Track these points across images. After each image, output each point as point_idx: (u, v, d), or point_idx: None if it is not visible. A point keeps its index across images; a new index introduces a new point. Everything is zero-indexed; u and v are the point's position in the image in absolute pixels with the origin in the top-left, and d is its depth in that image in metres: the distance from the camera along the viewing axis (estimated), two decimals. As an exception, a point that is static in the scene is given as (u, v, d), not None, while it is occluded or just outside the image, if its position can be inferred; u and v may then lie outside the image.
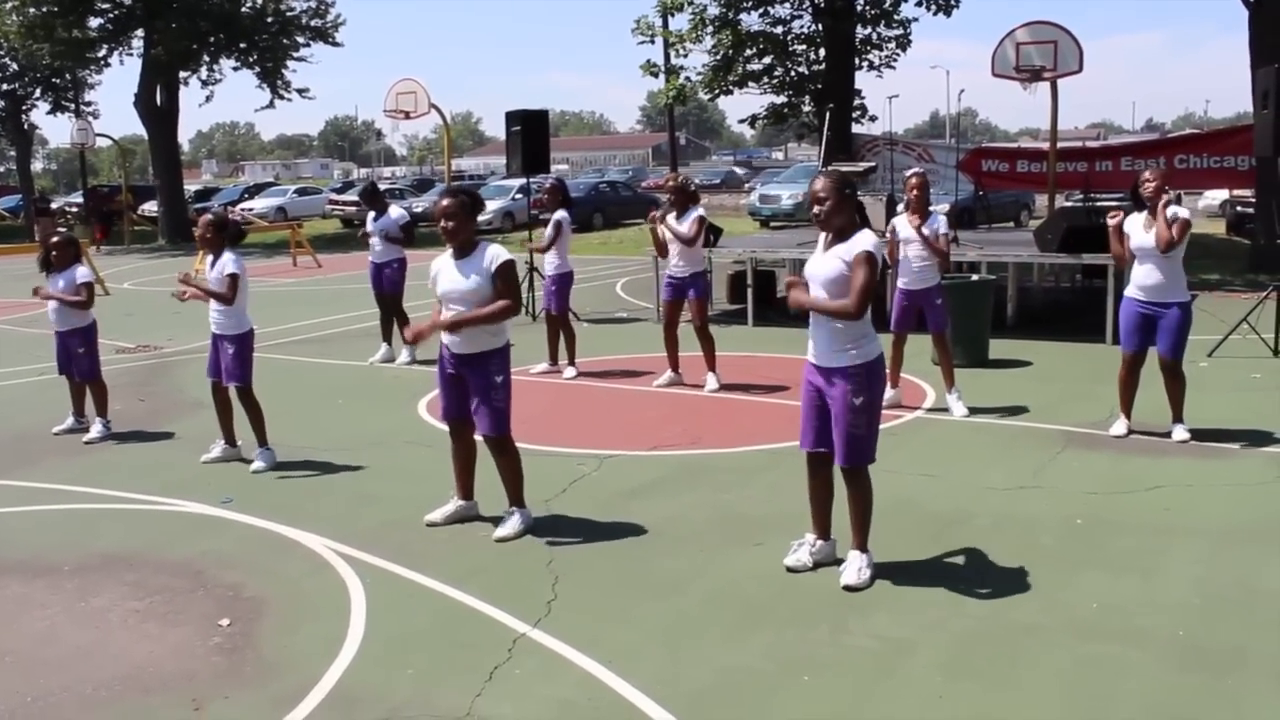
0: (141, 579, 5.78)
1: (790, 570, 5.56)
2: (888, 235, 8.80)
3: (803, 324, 5.50)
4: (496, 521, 6.30)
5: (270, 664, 4.76)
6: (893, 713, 4.22)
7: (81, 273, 8.83)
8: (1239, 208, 23.84)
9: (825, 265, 5.25)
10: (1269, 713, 4.11)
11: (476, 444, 6.41)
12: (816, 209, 5.25)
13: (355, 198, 35.42)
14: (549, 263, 10.88)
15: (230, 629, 5.12)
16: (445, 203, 6.02)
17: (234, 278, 7.66)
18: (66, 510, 7.11)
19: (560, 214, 10.84)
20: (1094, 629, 4.84)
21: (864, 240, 5.21)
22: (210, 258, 7.87)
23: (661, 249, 10.06)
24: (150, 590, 5.63)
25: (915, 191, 8.84)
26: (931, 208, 8.93)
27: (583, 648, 4.77)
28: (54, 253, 8.82)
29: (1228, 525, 6.09)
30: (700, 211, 9.82)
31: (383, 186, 24.22)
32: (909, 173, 9.31)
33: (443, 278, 6.09)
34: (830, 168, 13.23)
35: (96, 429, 8.84)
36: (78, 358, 8.85)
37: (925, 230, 8.70)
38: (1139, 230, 7.61)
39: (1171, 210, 7.49)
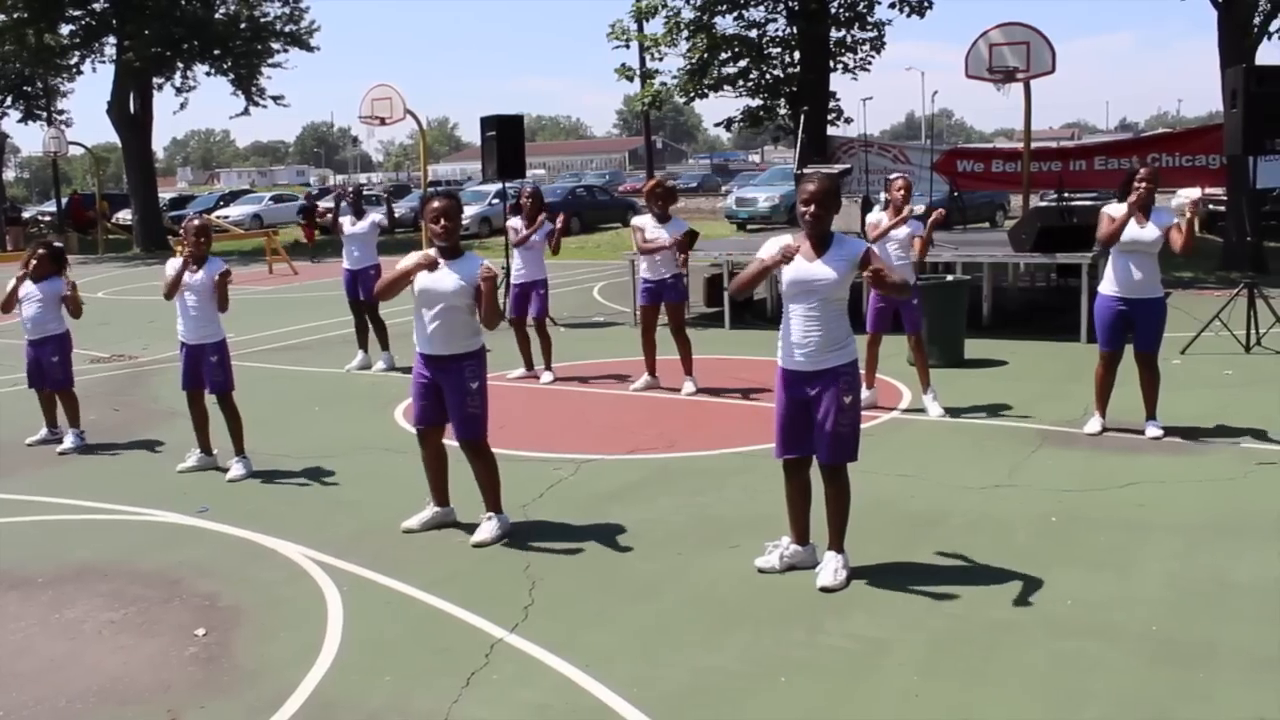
0: (116, 590, 5.75)
1: (760, 571, 5.58)
2: (869, 226, 8.85)
3: (779, 326, 5.51)
4: (473, 527, 6.29)
5: (247, 673, 4.74)
6: (869, 712, 4.24)
7: (64, 286, 8.77)
8: (1211, 206, 24.02)
9: (823, 272, 5.22)
10: (1240, 705, 4.14)
11: (447, 449, 6.42)
12: (815, 209, 5.22)
13: (332, 204, 35.31)
14: (528, 267, 10.90)
15: (206, 639, 5.10)
16: (440, 203, 6.04)
17: (225, 276, 7.71)
18: (40, 521, 7.06)
19: (550, 226, 11.12)
20: (1068, 625, 4.87)
21: (860, 242, 5.41)
22: (194, 265, 7.79)
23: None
24: (125, 601, 5.60)
25: (901, 192, 8.89)
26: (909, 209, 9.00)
27: (560, 652, 4.77)
28: (34, 261, 8.76)
29: (1201, 520, 6.14)
30: (687, 225, 9.95)
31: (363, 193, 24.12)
32: (894, 175, 9.38)
33: (425, 274, 6.05)
34: (810, 169, 13.27)
35: (70, 439, 8.77)
36: (50, 366, 8.77)
37: (906, 231, 8.77)
38: (1132, 225, 7.63)
39: (1177, 204, 7.69)
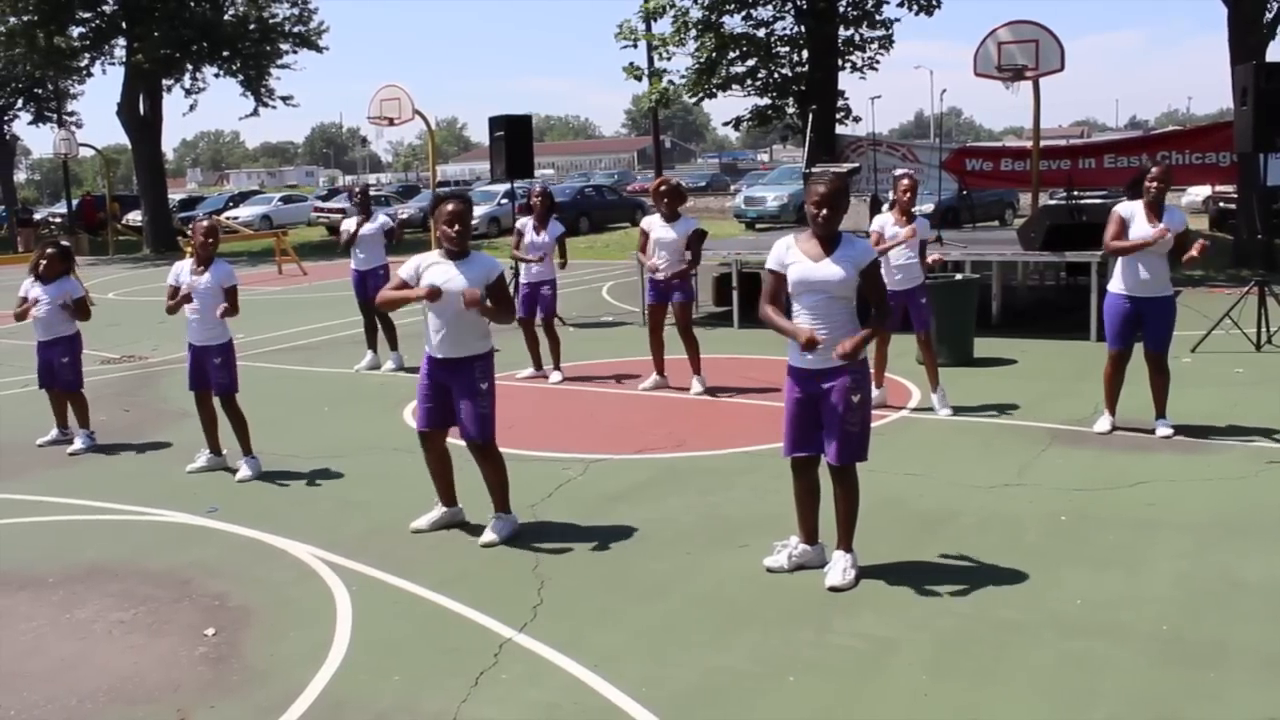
0: (127, 589, 5.77)
1: (769, 571, 5.58)
2: (873, 234, 8.83)
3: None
4: (482, 527, 6.30)
5: (256, 673, 4.75)
6: (878, 712, 4.23)
7: (74, 286, 8.81)
8: (1221, 204, 23.97)
9: (831, 271, 5.23)
10: (1250, 705, 4.13)
11: (450, 451, 6.42)
12: (825, 212, 5.21)
13: (340, 205, 35.39)
14: (539, 269, 10.90)
15: (216, 638, 5.11)
16: (453, 207, 6.03)
17: (235, 290, 7.76)
18: (51, 522, 7.08)
19: (560, 228, 11.15)
20: (1078, 625, 4.86)
21: (869, 248, 5.40)
22: (199, 265, 7.82)
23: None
24: (135, 601, 5.61)
25: (907, 194, 8.86)
26: (914, 209, 8.97)
27: (568, 651, 4.78)
28: (43, 262, 8.78)
29: (1211, 519, 6.12)
30: (696, 224, 9.94)
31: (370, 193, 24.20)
32: (899, 173, 9.35)
33: (433, 273, 6.05)
34: (818, 168, 13.26)
35: (80, 440, 8.81)
36: (61, 368, 8.81)
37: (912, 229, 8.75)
38: (1142, 223, 7.61)
39: (1177, 215, 7.64)
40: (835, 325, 5.26)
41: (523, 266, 11.20)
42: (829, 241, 5.28)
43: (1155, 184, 7.58)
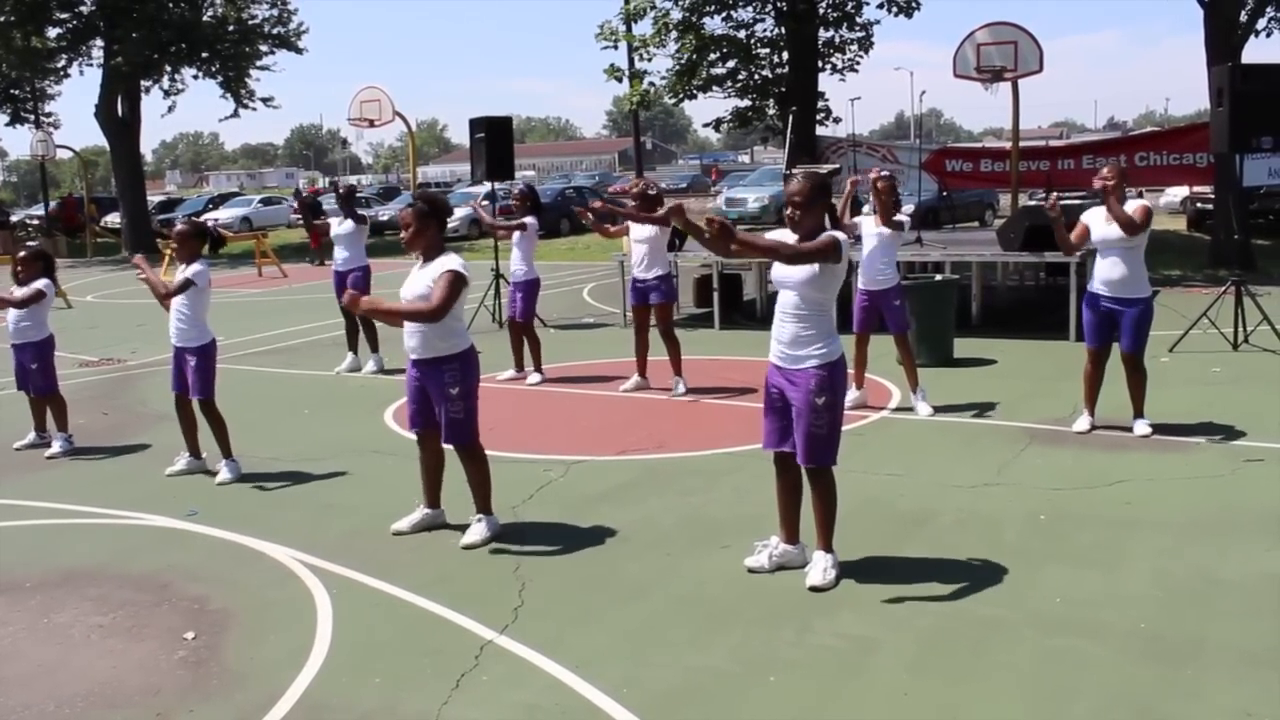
0: (105, 594, 5.74)
1: (750, 571, 5.59)
2: (851, 235, 8.85)
3: (768, 327, 5.52)
4: (463, 529, 6.28)
5: (236, 676, 4.73)
6: (859, 711, 4.24)
7: (40, 282, 8.71)
8: (1199, 204, 24.11)
9: (800, 269, 5.25)
10: (1227, 701, 4.16)
11: (445, 453, 6.41)
12: (790, 211, 5.27)
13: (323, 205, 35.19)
14: (516, 269, 10.85)
15: (195, 642, 5.09)
16: (403, 211, 6.19)
17: (190, 282, 7.64)
18: (28, 526, 7.04)
19: (529, 219, 10.87)
20: (1057, 623, 4.89)
21: (832, 231, 5.28)
22: (181, 265, 7.80)
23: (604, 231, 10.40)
24: (114, 605, 5.58)
25: (883, 196, 8.90)
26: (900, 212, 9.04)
27: (550, 653, 4.77)
28: (19, 267, 8.73)
29: (1188, 518, 6.16)
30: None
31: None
32: (874, 175, 9.36)
33: (406, 283, 6.16)
34: (798, 169, 13.28)
35: (58, 444, 8.75)
36: (31, 373, 8.74)
37: (890, 231, 8.79)
38: (1100, 223, 7.68)
39: (1130, 204, 7.58)
40: (804, 325, 5.26)
41: (507, 270, 11.13)
42: (806, 238, 5.29)
43: (1101, 182, 7.59)
